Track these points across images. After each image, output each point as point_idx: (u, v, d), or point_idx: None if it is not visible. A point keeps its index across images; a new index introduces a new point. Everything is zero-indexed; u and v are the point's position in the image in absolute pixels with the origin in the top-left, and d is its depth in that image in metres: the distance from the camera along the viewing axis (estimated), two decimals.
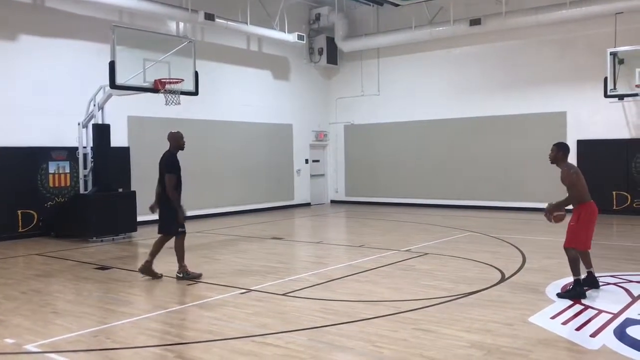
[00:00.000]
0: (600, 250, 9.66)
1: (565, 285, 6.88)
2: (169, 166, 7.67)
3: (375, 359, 4.64)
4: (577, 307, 5.98)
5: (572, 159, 15.26)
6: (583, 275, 6.53)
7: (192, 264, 9.01)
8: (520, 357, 4.61)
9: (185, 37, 12.79)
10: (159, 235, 7.89)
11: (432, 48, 17.64)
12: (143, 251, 10.69)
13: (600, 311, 5.82)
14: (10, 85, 11.99)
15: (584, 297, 6.30)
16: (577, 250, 6.50)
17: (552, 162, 6.76)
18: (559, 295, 6.44)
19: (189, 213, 15.64)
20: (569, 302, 6.16)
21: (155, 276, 7.74)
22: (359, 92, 19.26)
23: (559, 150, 6.66)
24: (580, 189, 6.48)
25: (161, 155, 7.94)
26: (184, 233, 7.85)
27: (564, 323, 5.49)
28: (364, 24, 18.76)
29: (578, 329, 5.32)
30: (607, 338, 5.03)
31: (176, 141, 7.87)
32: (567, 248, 6.55)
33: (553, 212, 6.52)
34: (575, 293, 6.35)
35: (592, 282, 6.65)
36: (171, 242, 7.84)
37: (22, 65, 12.18)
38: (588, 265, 6.64)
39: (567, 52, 15.50)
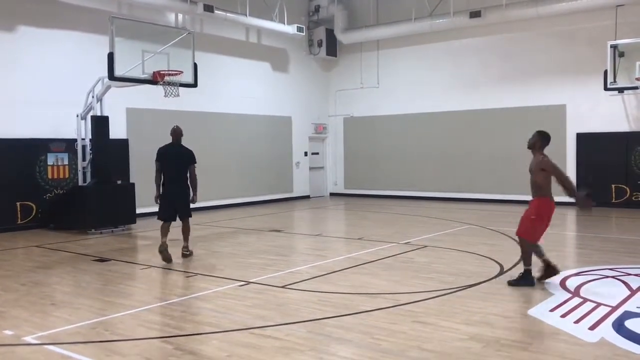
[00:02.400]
0: (599, 243, 9.67)
1: (564, 280, 6.89)
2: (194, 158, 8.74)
3: (373, 351, 4.65)
4: (576, 300, 5.99)
5: (571, 151, 15.40)
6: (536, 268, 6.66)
7: (192, 256, 9.03)
8: (519, 349, 4.62)
9: (184, 29, 12.73)
10: (185, 219, 8.80)
11: (432, 40, 17.59)
12: (142, 243, 10.71)
13: (598, 304, 5.82)
14: (9, 76, 11.94)
15: (533, 284, 6.54)
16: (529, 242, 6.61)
17: (528, 148, 6.82)
18: (509, 283, 6.64)
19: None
20: (568, 295, 6.18)
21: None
22: (359, 85, 19.22)
23: (540, 138, 6.75)
24: (549, 183, 6.58)
25: (164, 146, 8.70)
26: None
27: (563, 316, 5.50)
28: (363, 15, 18.69)
29: (577, 321, 5.33)
30: (606, 331, 5.04)
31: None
32: (521, 238, 6.71)
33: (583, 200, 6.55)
34: (526, 282, 6.55)
35: (553, 270, 6.68)
36: (178, 224, 8.85)
37: (21, 57, 12.13)
38: (540, 254, 6.71)
39: (568, 44, 15.46)
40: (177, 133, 8.75)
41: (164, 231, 8.48)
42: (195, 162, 8.71)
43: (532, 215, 6.67)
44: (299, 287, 6.83)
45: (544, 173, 6.62)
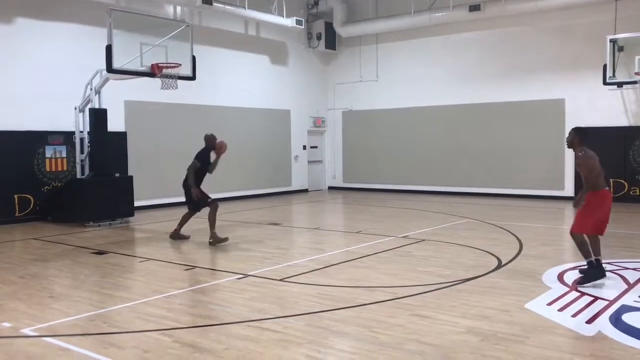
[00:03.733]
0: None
1: (562, 274, 6.90)
2: (198, 154, 9.63)
3: (371, 345, 4.66)
4: (574, 294, 6.00)
5: None
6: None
7: (190, 249, 9.04)
8: (517, 343, 4.63)
9: (182, 21, 12.68)
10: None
11: (431, 34, 17.55)
12: (140, 236, 10.71)
13: (596, 298, 5.84)
14: (7, 69, 11.90)
15: (604, 275, 6.28)
16: (584, 235, 6.45)
17: (568, 147, 6.76)
18: (579, 284, 6.29)
19: (179, 199, 15.73)
20: (565, 289, 6.18)
21: (223, 241, 9.27)
22: (358, 78, 19.18)
23: (576, 135, 6.67)
24: (595, 176, 6.44)
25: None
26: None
27: (560, 310, 5.51)
28: (362, 9, 18.63)
29: (574, 315, 5.34)
30: (603, 324, 5.05)
31: (211, 142, 9.77)
32: (573, 234, 6.53)
33: (580, 204, 6.49)
34: (592, 274, 6.31)
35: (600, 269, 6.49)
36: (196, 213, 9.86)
37: (19, 49, 12.08)
38: (596, 252, 6.51)
39: (567, 39, 15.44)
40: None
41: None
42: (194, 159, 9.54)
43: (582, 209, 6.50)
44: (297, 280, 6.83)
45: (585, 168, 6.47)
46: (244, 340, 4.77)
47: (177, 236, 9.82)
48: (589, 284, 6.27)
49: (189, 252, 8.77)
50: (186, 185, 9.55)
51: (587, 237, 6.51)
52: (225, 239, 9.27)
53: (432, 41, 17.68)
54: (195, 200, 9.50)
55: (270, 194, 17.64)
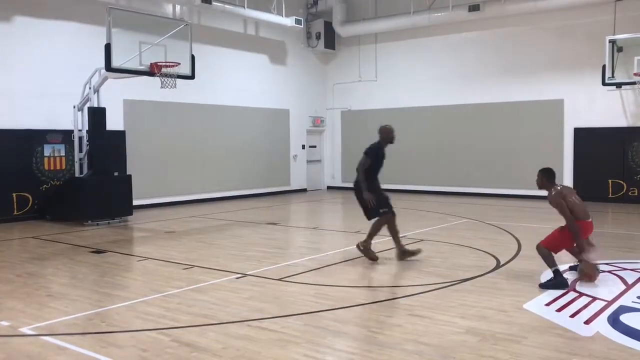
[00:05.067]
0: (595, 238, 9.67)
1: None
2: (367, 149, 8.06)
3: (370, 344, 4.66)
4: (572, 295, 6.01)
5: (568, 146, 15.43)
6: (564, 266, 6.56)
7: (188, 248, 9.03)
8: (515, 343, 4.63)
9: (181, 20, 12.68)
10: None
11: (431, 34, 17.55)
12: (139, 235, 10.70)
13: (594, 298, 5.84)
14: (5, 67, 11.88)
15: (567, 285, 6.25)
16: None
17: (539, 189, 6.71)
18: (541, 286, 6.34)
19: (178, 198, 15.67)
20: (563, 290, 6.18)
21: (373, 258, 7.81)
22: (357, 78, 19.18)
23: (543, 176, 6.60)
24: (570, 209, 6.41)
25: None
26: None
27: (559, 310, 5.52)
28: (362, 8, 18.63)
29: (572, 316, 5.34)
30: (601, 325, 5.05)
31: (386, 134, 8.32)
32: (540, 247, 6.47)
33: (584, 254, 6.44)
34: (557, 282, 6.29)
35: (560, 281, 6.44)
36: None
37: (17, 48, 12.06)
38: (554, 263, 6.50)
39: (566, 39, 15.44)
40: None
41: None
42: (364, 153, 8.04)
43: (559, 229, 6.50)
44: (295, 280, 6.83)
45: (561, 207, 6.46)
46: (242, 339, 4.77)
47: (366, 252, 7.91)
48: (550, 289, 6.23)
49: (187, 252, 8.76)
50: (358, 187, 7.95)
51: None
52: (376, 258, 7.79)
53: (431, 41, 17.69)
54: (370, 207, 7.88)
55: (269, 194, 17.63)
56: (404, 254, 7.83)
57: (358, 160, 8.07)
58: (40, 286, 6.68)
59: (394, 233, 7.97)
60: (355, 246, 8.04)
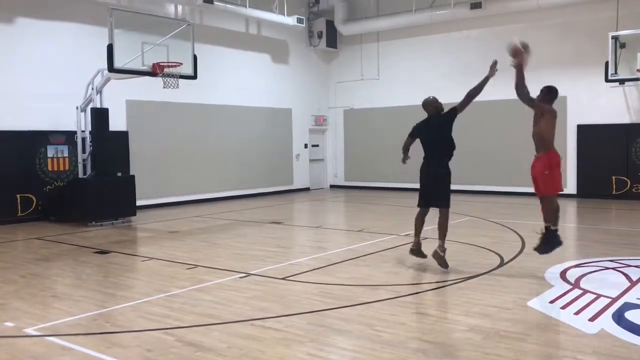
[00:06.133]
0: (599, 235, 9.68)
1: (564, 271, 6.88)
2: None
3: (374, 343, 4.65)
4: (576, 292, 5.99)
5: (571, 143, 15.38)
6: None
7: (191, 248, 9.04)
8: (519, 340, 4.62)
9: (183, 20, 12.68)
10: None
11: (433, 32, 17.51)
12: (142, 235, 10.72)
13: (598, 295, 5.83)
14: (8, 68, 11.90)
15: (560, 242, 6.67)
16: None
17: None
18: (539, 251, 6.72)
19: (181, 198, 15.65)
20: (568, 287, 6.17)
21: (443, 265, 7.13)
22: (359, 76, 19.15)
23: (547, 93, 6.89)
24: (551, 133, 6.66)
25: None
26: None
27: (563, 307, 5.51)
28: (363, 7, 18.59)
29: (577, 313, 5.33)
30: (606, 322, 5.04)
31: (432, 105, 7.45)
32: (550, 197, 6.69)
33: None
34: (551, 241, 6.62)
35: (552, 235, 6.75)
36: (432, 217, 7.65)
37: (20, 49, 12.08)
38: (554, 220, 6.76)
39: (568, 36, 15.40)
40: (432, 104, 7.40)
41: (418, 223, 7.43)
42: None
43: (545, 170, 6.66)
44: (299, 279, 6.83)
45: (543, 119, 6.68)
46: (246, 339, 4.77)
47: (416, 252, 7.48)
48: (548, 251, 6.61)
49: (190, 251, 8.77)
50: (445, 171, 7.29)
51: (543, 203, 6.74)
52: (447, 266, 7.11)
53: (433, 39, 17.66)
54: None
55: (272, 193, 17.64)
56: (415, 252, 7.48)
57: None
58: (44, 287, 6.70)
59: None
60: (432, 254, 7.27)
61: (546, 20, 15.66)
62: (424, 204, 7.49)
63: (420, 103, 7.64)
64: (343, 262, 7.74)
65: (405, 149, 7.84)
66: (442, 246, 7.13)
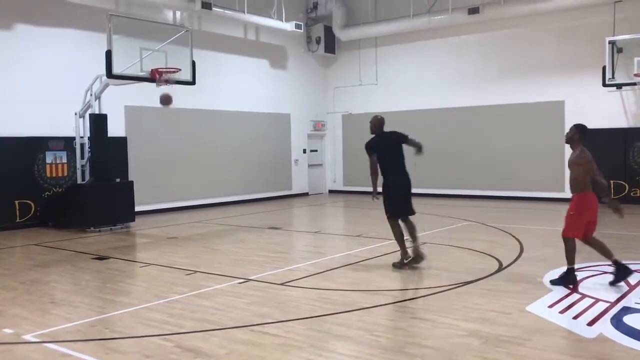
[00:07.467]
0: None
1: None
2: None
3: (373, 348, 4.65)
4: (575, 296, 6.00)
5: (569, 146, 15.38)
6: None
7: (190, 253, 9.03)
8: (518, 345, 4.63)
9: (182, 26, 12.71)
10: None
11: (431, 37, 17.57)
12: (141, 241, 10.71)
13: (597, 300, 5.84)
14: (7, 74, 11.92)
15: (574, 282, 6.39)
16: (577, 240, 6.46)
17: (567, 142, 6.72)
18: (552, 282, 6.49)
19: (180, 203, 15.66)
20: (566, 291, 6.18)
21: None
22: (357, 82, 19.20)
23: (577, 132, 6.65)
24: (588, 178, 6.44)
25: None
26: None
27: (562, 312, 5.51)
28: (362, 12, 18.66)
29: (575, 317, 5.34)
30: (604, 326, 5.05)
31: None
32: (565, 238, 6.54)
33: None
34: (565, 281, 6.40)
35: (624, 270, 6.41)
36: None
37: (18, 55, 12.10)
38: (608, 255, 6.47)
39: (566, 40, 15.46)
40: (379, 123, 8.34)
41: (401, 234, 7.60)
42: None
43: (572, 211, 6.43)
44: (298, 284, 6.83)
45: (580, 167, 6.44)
46: (245, 344, 4.77)
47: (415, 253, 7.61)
48: (559, 285, 6.37)
49: (189, 257, 8.77)
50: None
51: (591, 245, 6.53)
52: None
53: (431, 44, 17.71)
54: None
55: (271, 198, 17.64)
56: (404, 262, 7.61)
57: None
58: (43, 293, 6.69)
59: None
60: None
61: (543, 25, 15.73)
62: (400, 214, 7.74)
63: (377, 120, 8.72)
64: (342, 268, 7.75)
65: (375, 173, 8.43)
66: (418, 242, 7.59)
